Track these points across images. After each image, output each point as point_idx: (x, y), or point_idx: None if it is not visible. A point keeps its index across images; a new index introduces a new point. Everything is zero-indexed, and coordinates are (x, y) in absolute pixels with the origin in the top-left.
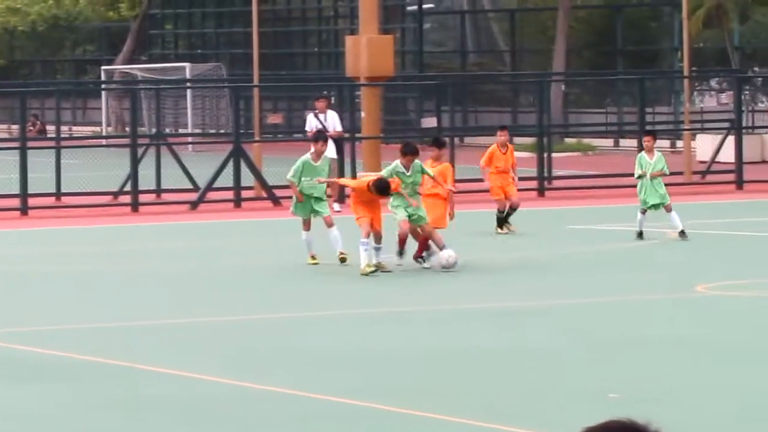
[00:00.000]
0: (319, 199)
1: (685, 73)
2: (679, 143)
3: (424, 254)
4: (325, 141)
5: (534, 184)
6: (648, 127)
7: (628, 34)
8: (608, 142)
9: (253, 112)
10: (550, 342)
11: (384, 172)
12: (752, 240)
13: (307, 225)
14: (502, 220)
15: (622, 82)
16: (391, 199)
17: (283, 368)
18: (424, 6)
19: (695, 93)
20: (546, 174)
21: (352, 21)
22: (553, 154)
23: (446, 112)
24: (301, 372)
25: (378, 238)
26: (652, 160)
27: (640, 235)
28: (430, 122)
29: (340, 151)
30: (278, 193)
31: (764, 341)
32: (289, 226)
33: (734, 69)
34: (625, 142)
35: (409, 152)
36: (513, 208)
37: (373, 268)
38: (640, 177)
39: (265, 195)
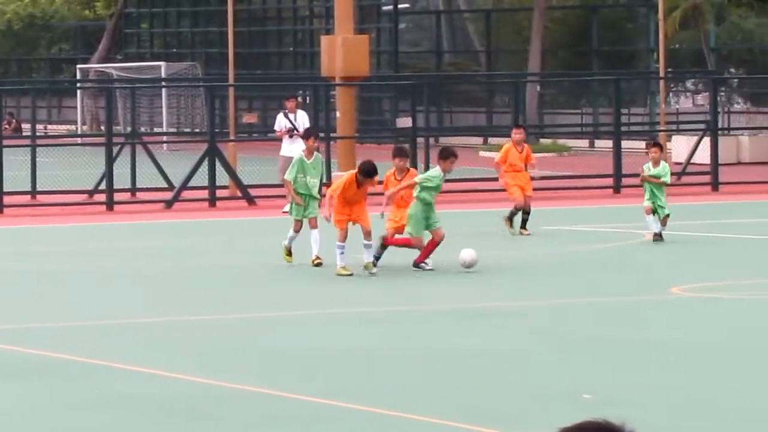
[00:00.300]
0: (312, 199)
1: (661, 74)
2: None
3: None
4: (317, 137)
5: None
6: (623, 128)
7: (603, 34)
8: (583, 143)
9: (228, 112)
10: (525, 343)
11: (433, 179)
12: (727, 242)
13: (298, 226)
14: (521, 225)
15: (598, 82)
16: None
17: (258, 368)
18: (400, 6)
19: (671, 94)
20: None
21: (328, 21)
22: None
23: (421, 112)
24: (276, 372)
25: (367, 234)
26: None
27: (659, 235)
28: (405, 122)
29: None
30: (253, 192)
31: (739, 343)
32: (263, 226)
33: (710, 70)
34: (600, 143)
35: (454, 156)
36: (527, 212)
37: (349, 272)
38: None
39: (239, 194)
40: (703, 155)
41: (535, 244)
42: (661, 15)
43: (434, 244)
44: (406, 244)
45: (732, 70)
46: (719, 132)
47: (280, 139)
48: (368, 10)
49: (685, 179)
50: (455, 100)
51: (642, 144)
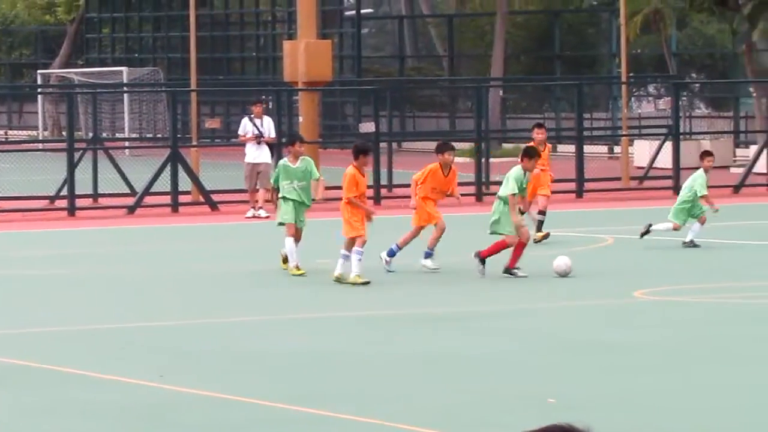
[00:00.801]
0: (302, 205)
1: (623, 78)
2: (617, 149)
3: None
4: (302, 141)
5: (472, 189)
6: (585, 133)
7: (566, 39)
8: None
9: (190, 117)
10: (489, 347)
11: (513, 183)
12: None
13: (291, 230)
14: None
15: (560, 87)
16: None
17: (219, 373)
18: (363, 11)
19: (633, 99)
20: (484, 179)
21: (290, 26)
22: (492, 160)
23: (384, 116)
24: (237, 377)
25: (362, 243)
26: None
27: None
28: (368, 127)
29: (274, 156)
30: (216, 197)
31: (702, 346)
32: (226, 231)
33: (672, 75)
34: (562, 148)
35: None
36: (542, 212)
37: (366, 279)
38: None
39: (202, 200)
40: (664, 160)
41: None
42: (622, 20)
43: (522, 246)
44: (502, 247)
45: (693, 74)
46: (681, 136)
47: (243, 145)
48: (331, 15)
49: (647, 183)
50: (418, 104)
51: (604, 149)
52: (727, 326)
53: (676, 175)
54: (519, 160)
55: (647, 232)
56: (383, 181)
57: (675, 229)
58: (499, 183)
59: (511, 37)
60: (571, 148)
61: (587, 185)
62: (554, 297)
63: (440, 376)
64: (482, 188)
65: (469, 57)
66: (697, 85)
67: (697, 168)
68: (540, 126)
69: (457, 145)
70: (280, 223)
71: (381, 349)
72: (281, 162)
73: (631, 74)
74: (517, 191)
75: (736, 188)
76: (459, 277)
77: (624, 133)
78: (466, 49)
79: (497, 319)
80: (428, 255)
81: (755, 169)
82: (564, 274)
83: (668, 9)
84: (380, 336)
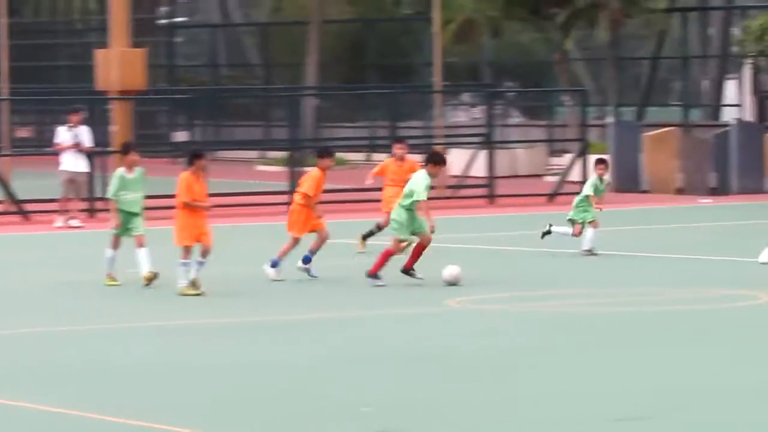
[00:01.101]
0: (135, 216)
1: (437, 87)
2: None
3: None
4: (136, 150)
5: (285, 198)
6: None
7: (380, 48)
8: (361, 156)
9: (1, 126)
10: (302, 356)
11: (424, 190)
12: (504, 254)
13: (116, 242)
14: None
15: (375, 96)
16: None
17: (52, 385)
18: (176, 19)
19: (447, 107)
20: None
21: (103, 34)
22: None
23: (198, 126)
24: (71, 388)
25: (205, 252)
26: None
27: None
28: (182, 136)
29: (91, 165)
30: (28, 207)
31: (514, 355)
32: (38, 241)
33: (486, 84)
34: (377, 156)
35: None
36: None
37: (198, 291)
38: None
39: (14, 209)
40: (479, 168)
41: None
42: (437, 28)
43: (423, 248)
44: (389, 256)
45: (508, 83)
46: (495, 145)
47: (58, 153)
48: (144, 24)
49: (462, 192)
50: (232, 113)
51: (418, 157)
52: (538, 334)
53: (491, 184)
54: (423, 165)
55: (548, 232)
56: None
57: (575, 234)
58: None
59: (325, 46)
60: (386, 157)
61: None
62: (368, 306)
63: (257, 385)
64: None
65: (283, 66)
66: (510, 93)
67: (510, 176)
68: (400, 140)
69: (270, 154)
70: (118, 233)
71: (197, 359)
72: (117, 173)
73: (446, 83)
74: (426, 197)
75: (551, 197)
76: (277, 286)
77: (438, 141)
78: (281, 58)
79: (309, 328)
80: (275, 264)
81: (569, 178)
82: (453, 283)
83: (482, 18)
84: (198, 345)
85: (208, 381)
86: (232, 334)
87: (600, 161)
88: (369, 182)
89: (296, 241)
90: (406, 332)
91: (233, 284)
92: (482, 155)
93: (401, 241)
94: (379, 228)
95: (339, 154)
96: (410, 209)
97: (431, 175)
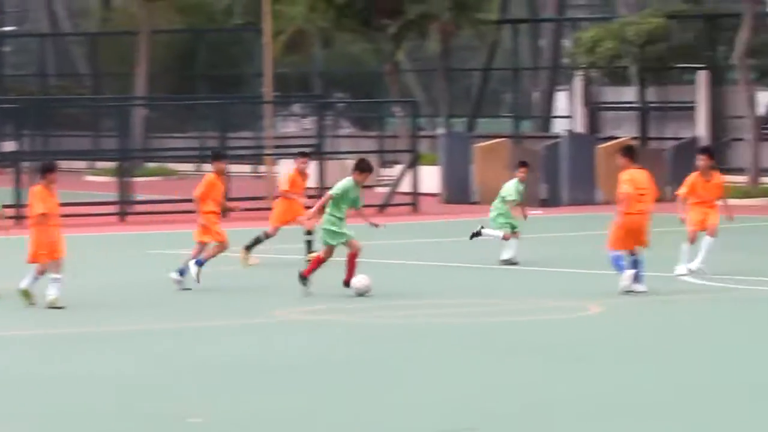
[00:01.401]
0: None
1: (268, 98)
2: (262, 168)
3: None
4: None
5: (115, 208)
6: (231, 152)
7: (210, 58)
8: (190, 167)
9: None
10: (127, 367)
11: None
12: (333, 264)
13: None
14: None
15: (205, 106)
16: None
17: None
18: (4, 28)
19: (278, 118)
20: (127, 199)
21: None
22: (135, 179)
23: (27, 135)
24: None
25: (57, 267)
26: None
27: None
28: (9, 146)
29: None
30: None
31: (339, 365)
32: None
33: (316, 95)
34: (206, 167)
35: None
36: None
37: (31, 301)
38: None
39: None
40: (310, 179)
41: (141, 269)
42: (267, 39)
43: (354, 257)
44: (319, 262)
45: (338, 94)
46: (325, 156)
47: None
48: None
49: None
50: (61, 123)
51: (249, 168)
52: (361, 345)
53: (320, 194)
54: (351, 172)
55: (477, 234)
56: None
57: (505, 238)
58: (141, 202)
59: (155, 56)
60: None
61: (231, 204)
62: (195, 317)
63: (78, 398)
64: (125, 208)
65: (112, 75)
66: (341, 104)
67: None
68: (304, 155)
69: (99, 164)
70: None
71: (20, 370)
72: None
73: (276, 93)
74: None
75: (381, 207)
76: (87, 298)
77: (269, 152)
78: (110, 68)
79: (135, 340)
80: (182, 273)
81: (399, 189)
82: (362, 293)
83: (313, 28)
84: (20, 356)
85: (31, 393)
86: (57, 345)
87: (522, 164)
88: (292, 195)
89: (203, 246)
90: (232, 343)
91: (67, 295)
92: (312, 166)
93: (331, 247)
94: (267, 236)
95: (169, 165)
96: (340, 217)
97: (357, 182)
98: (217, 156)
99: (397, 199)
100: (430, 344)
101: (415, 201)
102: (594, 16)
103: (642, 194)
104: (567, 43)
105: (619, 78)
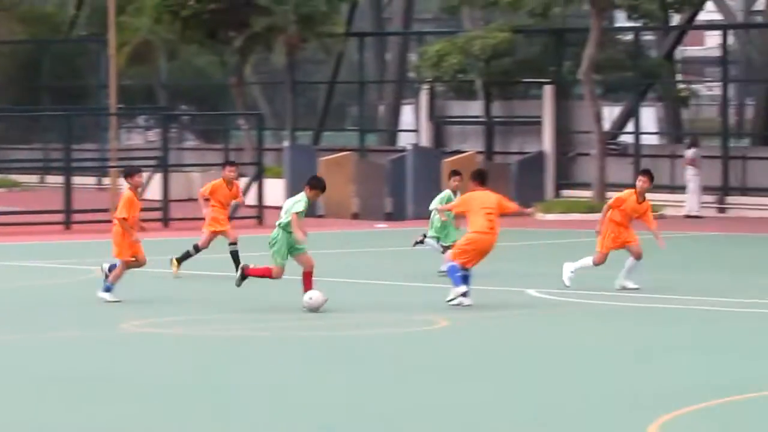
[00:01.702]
0: None
1: (112, 110)
2: (106, 180)
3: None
4: None
5: None
6: (74, 164)
7: (54, 69)
8: (34, 178)
9: None
10: None
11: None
12: (181, 278)
13: None
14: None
15: (48, 118)
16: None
17: None
18: None
19: (123, 130)
20: None
21: None
22: None
23: None
24: None
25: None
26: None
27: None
28: None
29: None
30: None
31: (193, 378)
32: None
33: (161, 107)
34: (51, 179)
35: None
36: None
37: None
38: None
39: None
40: (154, 191)
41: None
42: (112, 51)
43: (309, 274)
44: (266, 274)
45: (184, 106)
46: (170, 168)
47: None
48: None
49: (140, 215)
50: None
51: (93, 180)
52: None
53: (165, 207)
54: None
55: (420, 242)
56: None
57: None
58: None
59: None
60: (59, 179)
61: (75, 216)
62: (39, 329)
63: None
64: None
65: None
66: (186, 116)
67: (186, 200)
68: (232, 164)
69: None
70: None
71: None
72: None
73: (121, 105)
74: (301, 214)
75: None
76: None
77: (113, 164)
78: None
79: None
80: (108, 289)
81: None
82: (314, 309)
83: (158, 40)
84: None
85: None
86: None
87: (455, 173)
88: (205, 211)
89: (126, 265)
90: (77, 355)
91: None
92: (157, 178)
93: (281, 263)
94: (197, 249)
95: (13, 177)
96: (288, 230)
97: (309, 198)
98: (130, 173)
99: (242, 212)
100: (265, 356)
101: (260, 214)
102: (440, 30)
103: (489, 213)
104: (413, 57)
105: (464, 92)
